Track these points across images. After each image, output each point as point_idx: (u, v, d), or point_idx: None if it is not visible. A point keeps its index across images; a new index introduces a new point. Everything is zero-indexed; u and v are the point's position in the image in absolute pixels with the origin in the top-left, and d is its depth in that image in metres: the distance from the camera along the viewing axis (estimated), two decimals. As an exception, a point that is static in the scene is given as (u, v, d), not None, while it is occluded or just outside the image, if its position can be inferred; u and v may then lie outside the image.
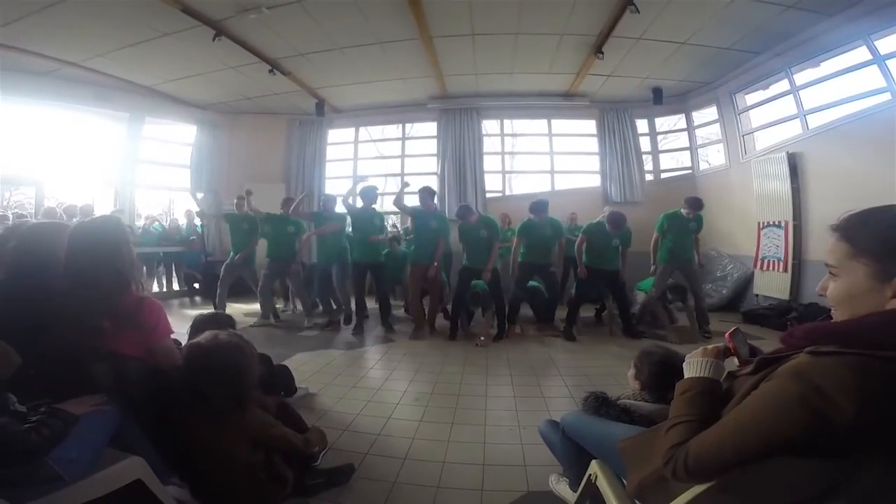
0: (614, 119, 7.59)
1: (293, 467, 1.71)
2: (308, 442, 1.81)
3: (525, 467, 2.09)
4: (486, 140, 7.95)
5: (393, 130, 8.61)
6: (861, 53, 4.77)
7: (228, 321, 2.32)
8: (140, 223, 7.40)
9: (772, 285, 5.68)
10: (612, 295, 4.80)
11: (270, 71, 6.08)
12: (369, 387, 3.23)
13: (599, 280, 4.74)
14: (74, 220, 6.05)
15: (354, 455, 2.15)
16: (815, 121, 5.43)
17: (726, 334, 1.07)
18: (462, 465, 2.12)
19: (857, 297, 0.81)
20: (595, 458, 1.39)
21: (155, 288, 7.43)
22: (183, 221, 7.99)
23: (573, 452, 1.60)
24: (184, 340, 1.82)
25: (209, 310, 4.53)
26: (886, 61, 4.51)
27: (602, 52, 5.52)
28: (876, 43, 4.58)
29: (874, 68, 4.64)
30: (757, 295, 5.91)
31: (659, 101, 7.06)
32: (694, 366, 1.02)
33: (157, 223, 7.57)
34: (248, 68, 6.12)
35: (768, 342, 4.30)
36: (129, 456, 1.37)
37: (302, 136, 8.27)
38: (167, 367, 1.59)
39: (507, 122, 8.22)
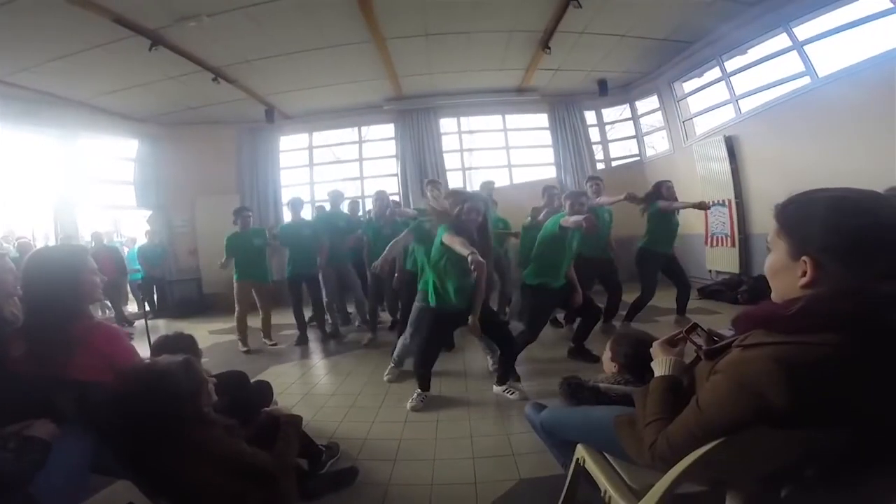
0: (564, 112, 7.83)
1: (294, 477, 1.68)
2: (282, 458, 1.70)
3: (514, 456, 2.15)
4: (444, 138, 7.99)
5: (349, 134, 8.47)
6: (782, 40, 5.17)
7: (189, 341, 2.23)
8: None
9: (723, 260, 6.10)
10: (606, 286, 4.39)
11: (214, 79, 5.83)
12: (349, 392, 3.21)
13: (592, 272, 4.17)
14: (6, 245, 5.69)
15: (343, 462, 2.14)
16: (746, 105, 5.86)
17: (683, 331, 1.17)
18: (452, 461, 2.15)
19: (778, 272, 0.89)
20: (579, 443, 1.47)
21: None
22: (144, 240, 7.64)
23: (559, 443, 1.65)
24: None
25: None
26: (804, 47, 4.92)
27: (549, 48, 5.69)
28: (795, 30, 4.98)
29: (794, 54, 5.04)
30: (710, 270, 6.31)
31: (604, 92, 7.36)
32: (658, 364, 1.14)
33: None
34: (190, 77, 5.84)
35: (724, 315, 4.61)
36: (115, 480, 1.33)
37: (253, 145, 7.98)
38: None
39: (463, 119, 8.29)
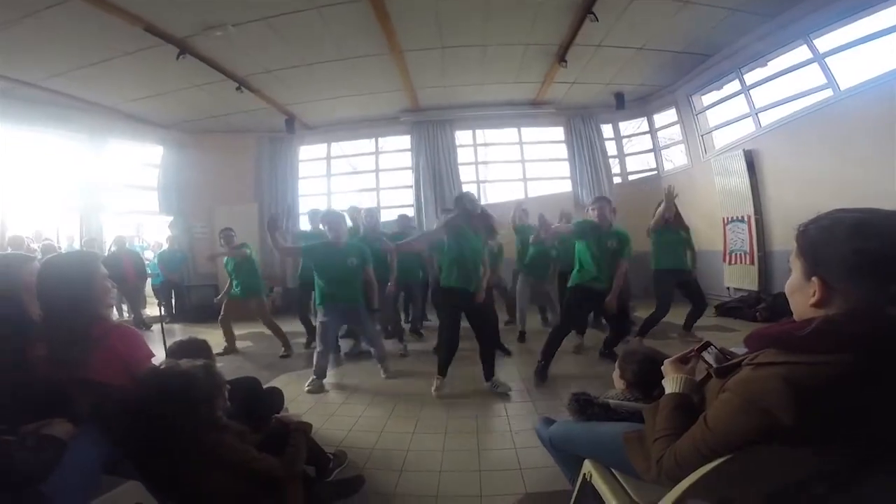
0: (580, 125, 7.81)
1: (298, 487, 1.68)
2: (290, 464, 1.69)
3: (521, 470, 2.12)
4: (459, 151, 8.04)
5: (366, 145, 8.58)
6: (803, 52, 5.09)
7: (204, 346, 2.27)
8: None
9: (741, 277, 5.96)
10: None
11: (238, 88, 6.00)
12: (359, 402, 3.21)
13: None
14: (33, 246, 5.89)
15: (350, 470, 2.14)
16: (766, 118, 5.76)
17: (694, 349, 1.16)
18: (459, 473, 2.13)
19: (795, 292, 0.90)
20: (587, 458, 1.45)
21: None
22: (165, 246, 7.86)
23: (567, 458, 1.64)
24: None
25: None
26: (826, 59, 4.83)
27: (565, 61, 5.70)
28: (816, 42, 4.89)
29: (815, 66, 4.95)
30: (728, 287, 6.17)
31: (621, 105, 7.34)
32: (670, 382, 1.14)
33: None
34: (215, 86, 6.03)
35: (741, 333, 4.44)
36: (125, 481, 1.35)
37: (273, 154, 8.16)
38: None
39: (478, 132, 8.34)
